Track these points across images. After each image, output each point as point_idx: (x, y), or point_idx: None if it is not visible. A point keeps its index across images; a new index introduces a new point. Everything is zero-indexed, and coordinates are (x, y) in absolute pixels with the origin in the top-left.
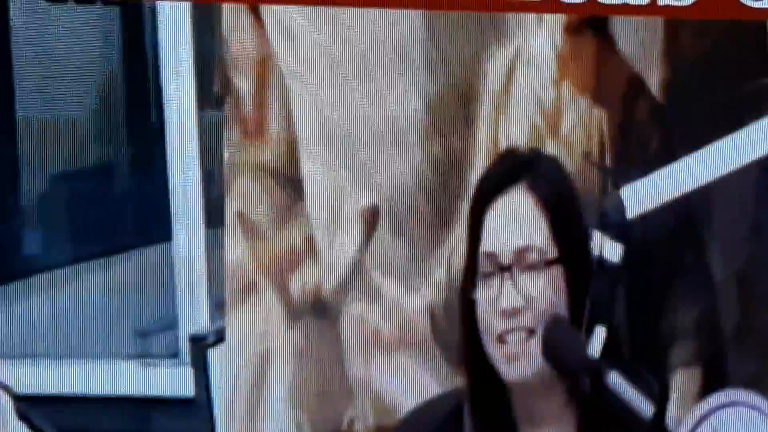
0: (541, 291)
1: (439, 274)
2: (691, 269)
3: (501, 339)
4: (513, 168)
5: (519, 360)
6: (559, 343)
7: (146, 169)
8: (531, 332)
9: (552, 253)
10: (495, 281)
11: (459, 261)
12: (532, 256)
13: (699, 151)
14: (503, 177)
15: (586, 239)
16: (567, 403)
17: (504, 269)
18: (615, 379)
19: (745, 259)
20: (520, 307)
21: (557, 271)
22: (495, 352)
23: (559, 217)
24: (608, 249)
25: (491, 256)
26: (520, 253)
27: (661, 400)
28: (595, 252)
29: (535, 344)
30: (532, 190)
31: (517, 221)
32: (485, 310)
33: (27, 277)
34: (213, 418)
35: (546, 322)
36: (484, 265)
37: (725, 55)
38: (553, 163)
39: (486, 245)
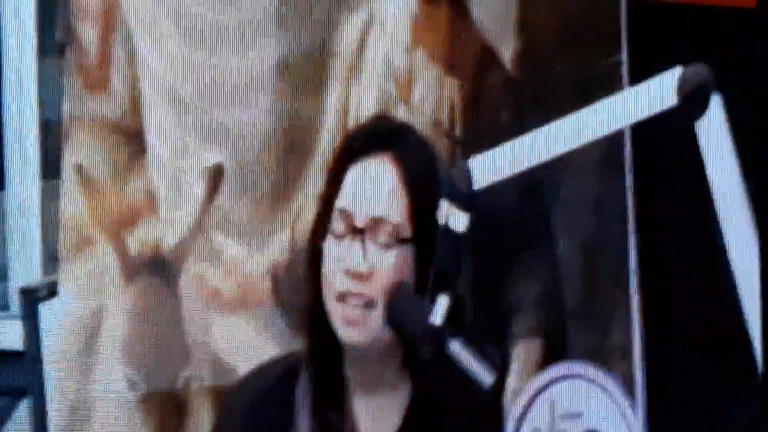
0: (388, 267)
1: (283, 236)
2: (536, 242)
3: (342, 298)
4: (384, 134)
5: (356, 325)
6: (402, 309)
7: None
8: (370, 304)
9: (406, 232)
10: (345, 240)
11: (304, 224)
12: (386, 230)
13: (548, 125)
14: (372, 140)
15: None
16: (401, 370)
17: (356, 231)
18: (456, 348)
19: (589, 234)
20: (364, 273)
21: (407, 251)
22: (334, 311)
23: (419, 197)
24: (454, 218)
25: (345, 214)
26: (375, 222)
27: (500, 370)
28: (441, 221)
29: (374, 315)
30: (398, 163)
31: (377, 189)
32: (331, 266)
33: None
34: (43, 373)
35: (390, 289)
36: (337, 223)
37: (578, 31)
38: (423, 140)
39: (342, 202)
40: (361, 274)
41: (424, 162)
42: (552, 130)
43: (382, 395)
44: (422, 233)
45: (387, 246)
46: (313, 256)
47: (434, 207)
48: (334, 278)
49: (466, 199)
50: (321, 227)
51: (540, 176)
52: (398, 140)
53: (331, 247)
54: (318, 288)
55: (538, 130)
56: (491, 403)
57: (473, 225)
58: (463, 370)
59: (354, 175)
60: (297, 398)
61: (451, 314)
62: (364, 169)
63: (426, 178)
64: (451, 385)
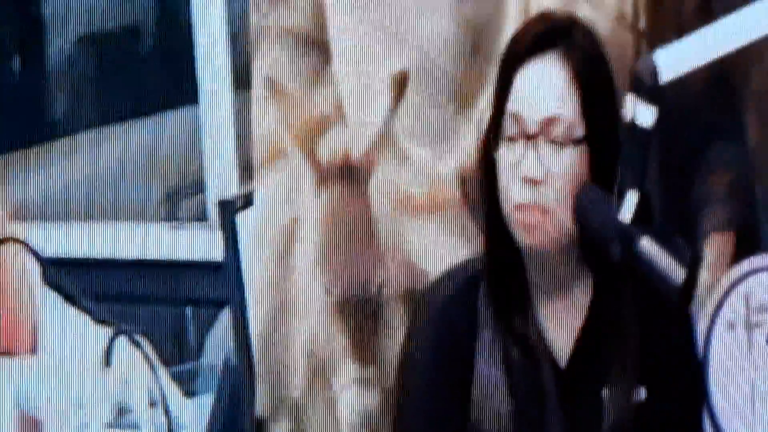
0: (563, 168)
1: (469, 138)
2: (726, 133)
3: (519, 208)
4: (549, 32)
5: (535, 230)
6: (590, 207)
7: (173, 31)
8: (548, 209)
9: (579, 131)
10: (518, 145)
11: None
12: (559, 129)
13: (737, 12)
14: (538, 40)
15: (617, 120)
16: (581, 269)
17: (529, 137)
18: (646, 245)
19: None
20: (540, 178)
21: (582, 151)
22: (513, 218)
23: (591, 92)
24: (641, 112)
25: (518, 118)
26: (548, 122)
27: (692, 266)
28: (628, 116)
29: (553, 219)
30: (567, 59)
31: (548, 89)
32: (507, 173)
33: (54, 140)
34: (242, 282)
35: (576, 189)
36: (509, 126)
37: None
38: (590, 33)
39: (513, 106)
40: (537, 180)
41: (593, 56)
42: (741, 18)
43: (564, 296)
44: (597, 132)
45: (561, 145)
46: (487, 162)
47: (608, 104)
48: (511, 186)
49: (653, 92)
50: (494, 133)
51: (729, 65)
52: (565, 36)
53: (505, 152)
54: (494, 193)
55: (727, 17)
56: (682, 299)
57: (661, 118)
58: (653, 267)
59: (523, 77)
60: (480, 303)
61: (640, 211)
62: (533, 70)
63: (597, 73)
64: (638, 282)
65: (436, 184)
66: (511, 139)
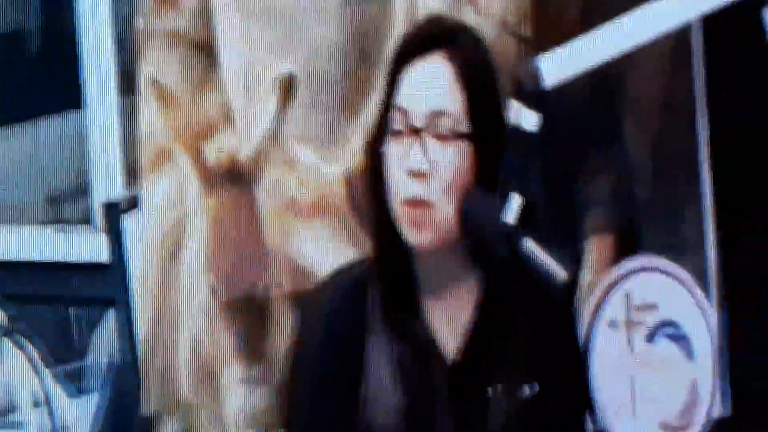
0: (449, 162)
1: (356, 141)
2: (606, 139)
3: (407, 203)
4: (437, 33)
5: (422, 226)
6: (474, 209)
7: (58, 35)
8: (435, 204)
9: (465, 126)
10: (405, 139)
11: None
12: (445, 123)
13: (616, 20)
14: (426, 40)
15: (501, 121)
16: (469, 268)
17: (415, 131)
18: (529, 246)
19: (660, 128)
20: (426, 171)
21: (467, 147)
22: (400, 214)
23: (476, 92)
24: (524, 117)
25: (404, 112)
26: (433, 116)
27: (573, 266)
28: (511, 120)
29: (440, 215)
30: (453, 60)
31: (434, 84)
32: (393, 168)
33: None
34: (127, 283)
35: (461, 190)
36: (396, 121)
37: None
38: (476, 37)
39: (400, 101)
40: (423, 173)
41: (479, 59)
42: (622, 25)
43: (452, 294)
44: (482, 130)
45: (447, 139)
46: (373, 157)
47: (492, 104)
48: (398, 181)
49: (536, 97)
50: (381, 130)
51: (609, 73)
52: (451, 39)
53: (392, 147)
54: (382, 191)
55: (606, 25)
56: (564, 298)
57: (543, 123)
58: (536, 267)
59: (410, 74)
60: (369, 302)
61: (523, 213)
62: (420, 67)
63: (482, 74)
64: (522, 282)
65: (322, 186)
66: (398, 134)
